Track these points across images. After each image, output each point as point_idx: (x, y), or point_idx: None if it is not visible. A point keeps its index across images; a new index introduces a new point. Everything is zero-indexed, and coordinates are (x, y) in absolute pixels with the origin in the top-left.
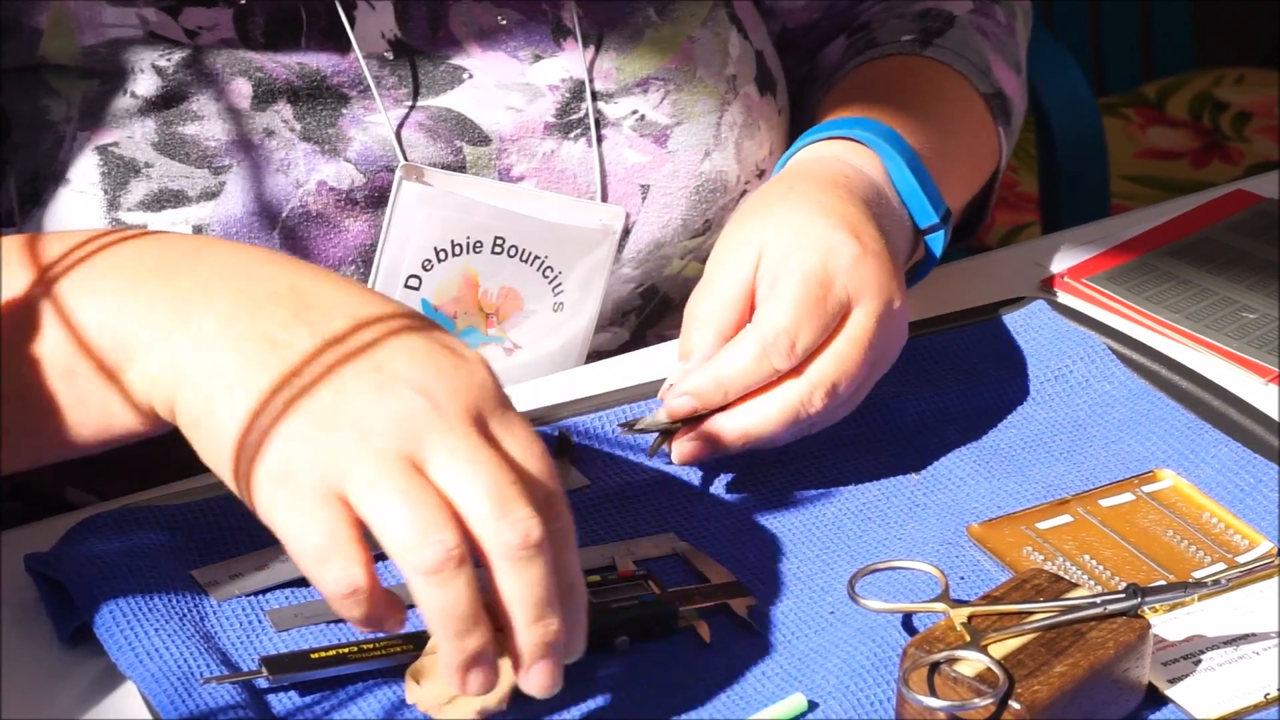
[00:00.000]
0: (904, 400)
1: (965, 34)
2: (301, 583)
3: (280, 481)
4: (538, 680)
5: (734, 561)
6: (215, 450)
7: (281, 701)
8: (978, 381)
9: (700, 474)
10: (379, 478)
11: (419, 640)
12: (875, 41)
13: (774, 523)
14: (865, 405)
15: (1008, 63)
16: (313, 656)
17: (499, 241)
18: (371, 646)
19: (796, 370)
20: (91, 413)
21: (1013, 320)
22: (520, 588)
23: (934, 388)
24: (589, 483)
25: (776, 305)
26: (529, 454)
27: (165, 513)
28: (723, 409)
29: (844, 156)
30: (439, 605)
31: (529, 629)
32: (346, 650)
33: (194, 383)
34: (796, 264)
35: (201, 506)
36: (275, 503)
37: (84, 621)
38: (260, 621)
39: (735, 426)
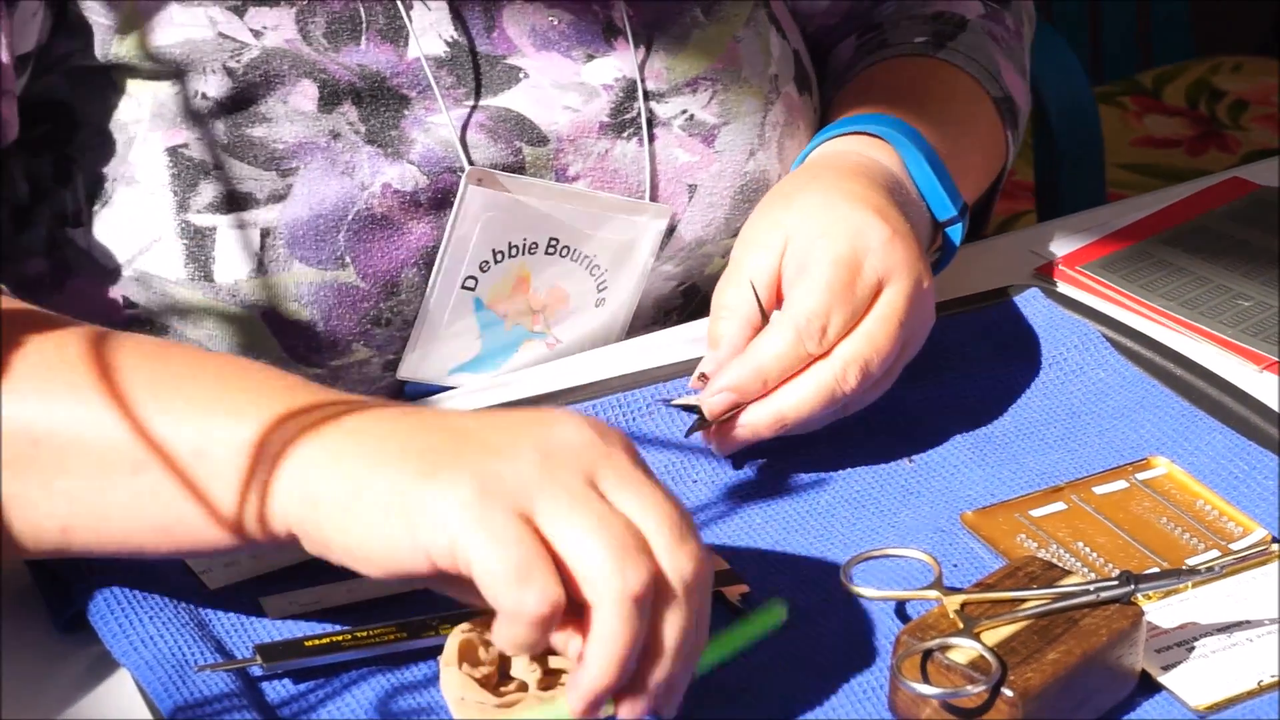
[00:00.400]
0: (898, 388)
1: (977, 38)
2: (296, 571)
3: (468, 507)
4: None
5: (727, 549)
6: (387, 515)
7: (276, 689)
8: (972, 369)
9: (693, 462)
10: (574, 502)
11: (413, 628)
12: (887, 42)
13: (768, 510)
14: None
15: (1016, 68)
16: (307, 644)
17: (553, 242)
18: (365, 635)
19: (827, 352)
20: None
21: (1007, 308)
22: (681, 621)
23: (928, 375)
24: None
25: (807, 290)
26: (675, 499)
27: None
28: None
29: (863, 150)
30: (628, 634)
31: (674, 662)
32: (340, 638)
33: (352, 465)
34: (825, 248)
35: None
36: (465, 526)
37: (79, 609)
38: (254, 609)
39: (770, 411)
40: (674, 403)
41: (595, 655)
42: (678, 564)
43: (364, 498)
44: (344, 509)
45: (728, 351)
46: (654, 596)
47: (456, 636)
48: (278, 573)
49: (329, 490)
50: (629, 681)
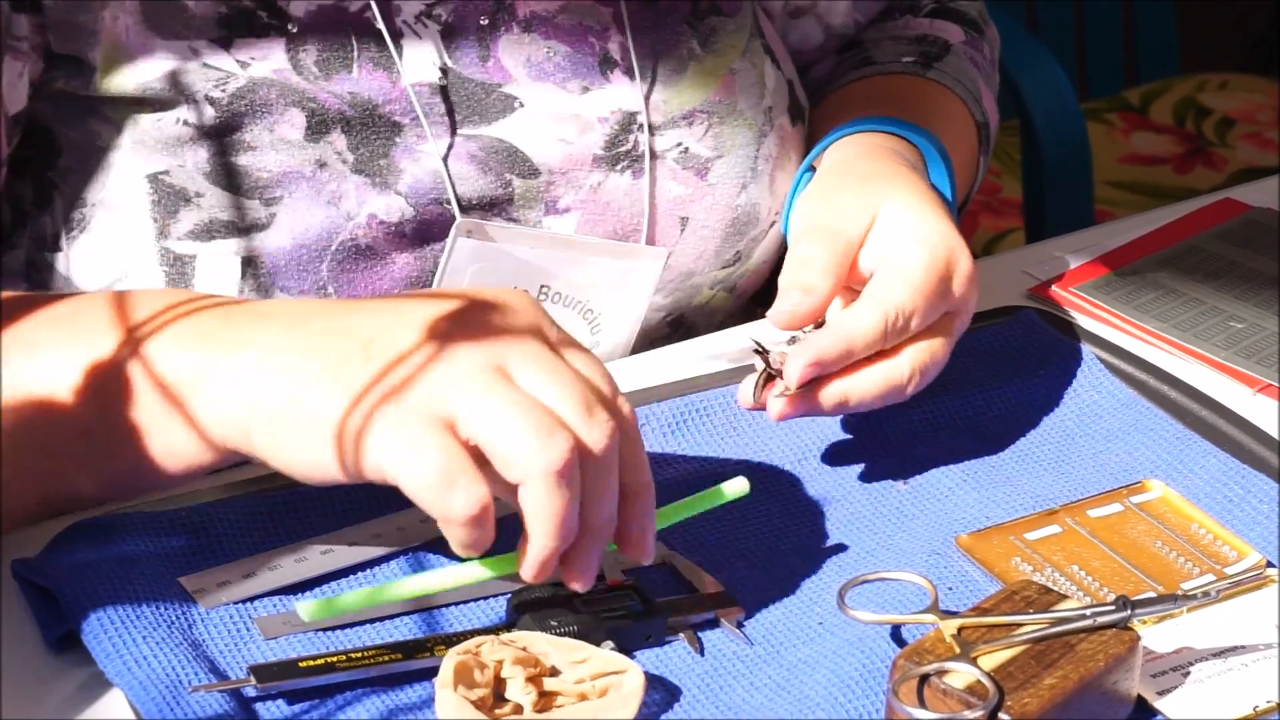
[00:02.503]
0: (892, 410)
1: (961, 62)
2: (289, 590)
3: (387, 427)
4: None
5: (723, 572)
6: (310, 437)
7: (269, 710)
8: (966, 391)
9: (686, 483)
10: (484, 393)
11: (407, 649)
12: (872, 59)
13: (763, 533)
14: (853, 414)
15: (992, 95)
16: (301, 665)
17: (544, 289)
18: (360, 655)
19: (895, 350)
20: (168, 448)
21: (1001, 329)
22: (602, 482)
23: (922, 397)
24: None
25: (904, 285)
26: (592, 367)
27: (153, 519)
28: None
29: (904, 153)
30: (558, 506)
31: (603, 529)
32: (335, 659)
33: (270, 388)
34: (925, 254)
35: (189, 513)
36: (387, 447)
37: (71, 628)
38: (248, 629)
39: (838, 392)
40: (757, 345)
41: (533, 529)
42: (589, 432)
43: (287, 422)
44: (270, 431)
45: (820, 281)
46: (580, 463)
47: (452, 658)
48: (272, 593)
49: (254, 413)
50: (571, 555)
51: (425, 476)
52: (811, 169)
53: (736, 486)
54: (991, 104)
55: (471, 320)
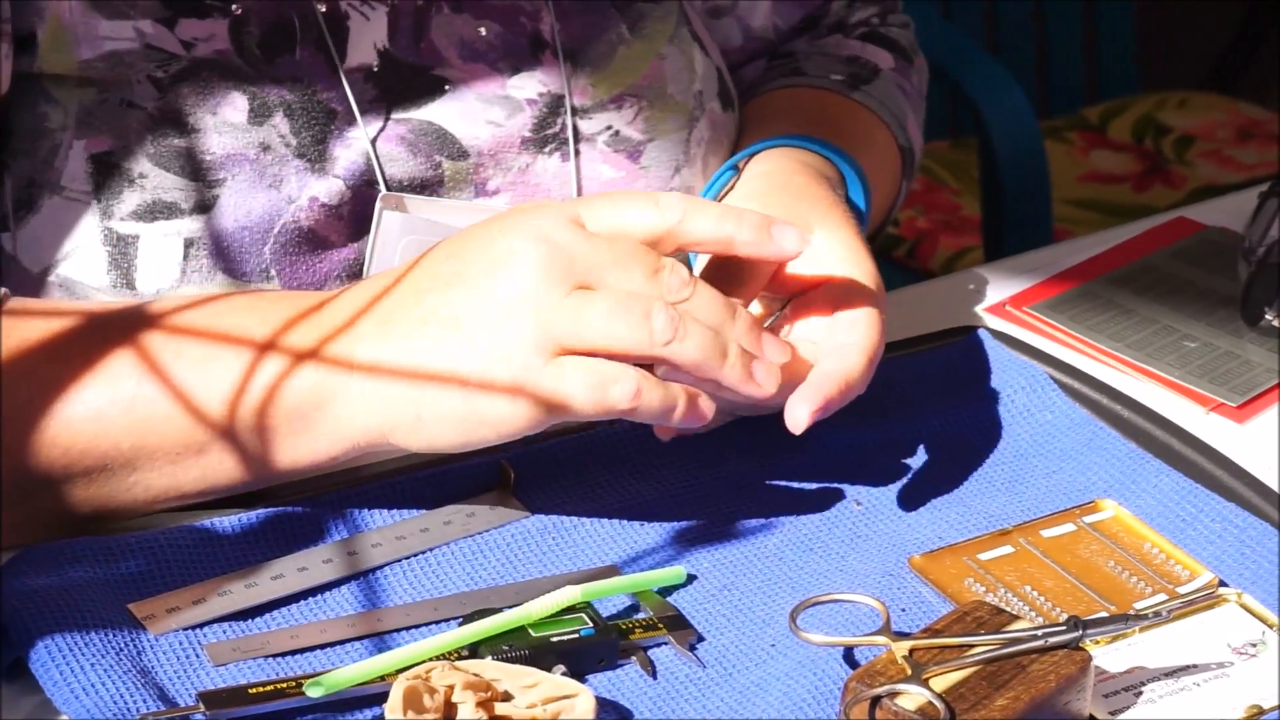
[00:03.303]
0: (845, 430)
1: (889, 87)
2: (239, 616)
3: (524, 382)
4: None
5: (675, 594)
6: (455, 427)
7: None
8: (919, 411)
9: (641, 505)
10: (574, 313)
11: None
12: (801, 71)
13: (715, 555)
14: (806, 435)
15: (918, 123)
16: (251, 691)
17: None
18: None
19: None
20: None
21: (955, 349)
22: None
23: (875, 417)
24: (528, 513)
25: (870, 328)
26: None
27: (102, 546)
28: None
29: (828, 174)
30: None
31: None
32: (285, 685)
33: (398, 399)
34: (875, 296)
35: (139, 539)
36: (533, 398)
37: (19, 656)
38: (198, 656)
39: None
40: None
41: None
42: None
43: (426, 422)
44: (413, 430)
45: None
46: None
47: (401, 684)
48: (222, 619)
49: (390, 422)
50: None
51: (580, 397)
52: (735, 169)
53: (671, 574)
54: (916, 131)
55: (525, 266)
